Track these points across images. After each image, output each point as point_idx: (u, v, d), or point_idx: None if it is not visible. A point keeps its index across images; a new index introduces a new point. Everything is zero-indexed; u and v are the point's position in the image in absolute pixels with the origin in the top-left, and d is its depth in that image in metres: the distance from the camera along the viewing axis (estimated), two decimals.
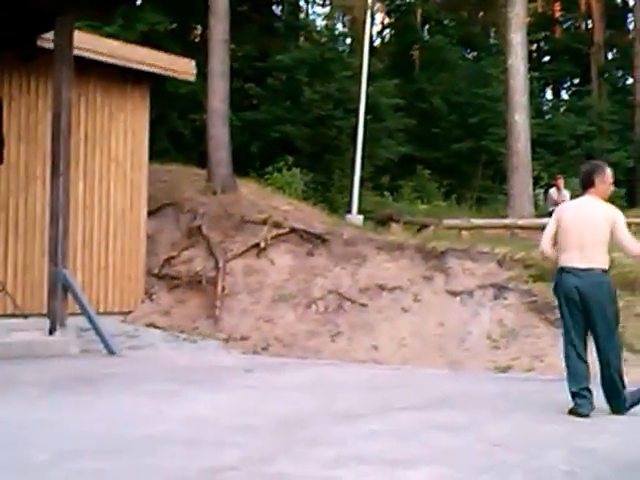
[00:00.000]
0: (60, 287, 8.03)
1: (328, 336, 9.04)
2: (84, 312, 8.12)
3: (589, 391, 5.26)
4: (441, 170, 21.99)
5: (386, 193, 19.61)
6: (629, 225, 5.67)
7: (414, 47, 27.22)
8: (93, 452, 3.94)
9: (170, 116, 17.33)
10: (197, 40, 20.36)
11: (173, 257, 10.47)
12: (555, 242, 5.44)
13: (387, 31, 30.14)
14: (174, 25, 18.72)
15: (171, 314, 9.83)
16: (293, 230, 10.48)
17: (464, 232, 11.40)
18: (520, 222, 12.90)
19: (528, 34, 17.10)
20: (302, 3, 25.50)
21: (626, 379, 5.35)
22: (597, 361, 5.31)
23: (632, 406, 5.32)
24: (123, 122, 10.05)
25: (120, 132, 10.01)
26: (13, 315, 8.38)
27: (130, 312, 9.85)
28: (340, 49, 23.04)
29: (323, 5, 27.23)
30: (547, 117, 26.88)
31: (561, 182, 14.77)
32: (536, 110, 23.28)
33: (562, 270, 5.35)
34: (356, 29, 23.94)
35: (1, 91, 8.81)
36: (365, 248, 10.05)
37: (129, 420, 4.78)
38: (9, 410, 5.00)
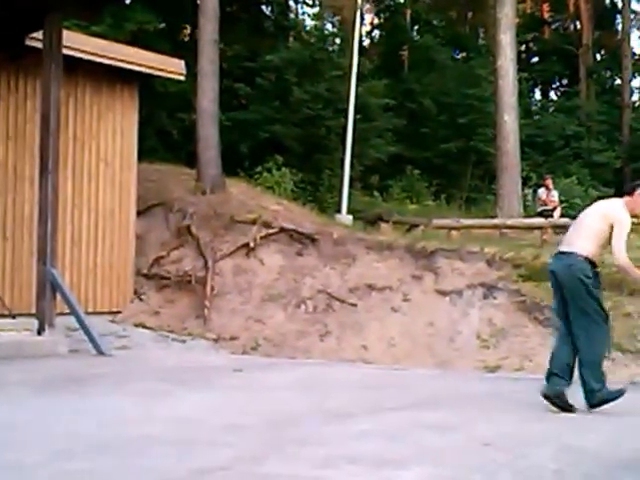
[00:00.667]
0: (49, 287, 8.00)
1: (317, 336, 9.04)
2: (73, 312, 8.09)
3: (557, 376, 5.27)
4: (430, 170, 22.02)
5: (375, 193, 19.62)
6: None
7: (403, 47, 27.24)
8: (83, 452, 3.92)
9: (159, 115, 17.26)
10: (186, 40, 20.29)
11: (162, 257, 10.44)
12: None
13: (376, 31, 30.16)
14: (163, 25, 18.64)
15: (160, 314, 9.81)
16: (282, 230, 10.47)
17: (453, 232, 11.40)
18: (509, 222, 12.92)
19: (517, 35, 17.13)
20: (291, 3, 25.46)
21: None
22: None
23: (599, 404, 5.28)
24: (112, 121, 10.02)
25: (109, 131, 9.98)
26: (1, 315, 8.34)
27: (119, 312, 9.82)
28: (329, 49, 22.99)
29: (312, 5, 27.17)
30: (536, 117, 26.99)
31: (550, 182, 14.83)
32: (525, 110, 23.36)
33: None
34: (345, 29, 23.93)
35: None
36: (354, 248, 10.06)
37: (118, 420, 4.76)
38: None
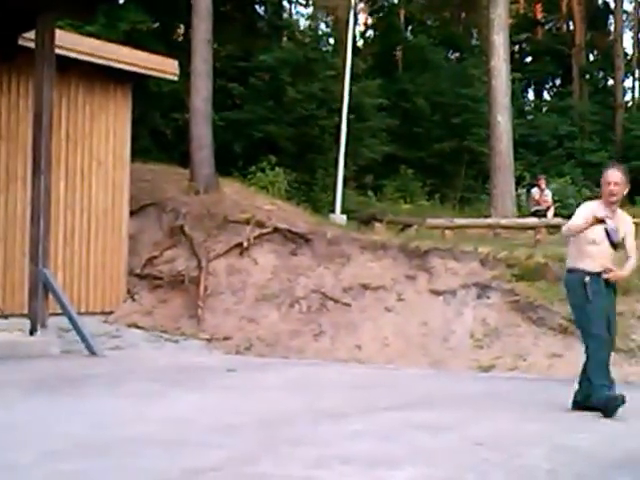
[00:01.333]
0: (41, 287, 7.96)
1: (311, 336, 9.03)
2: (65, 312, 8.06)
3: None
4: (424, 170, 22.05)
5: (369, 192, 19.64)
6: None
7: (397, 47, 27.29)
8: (75, 453, 3.91)
9: (152, 115, 17.23)
10: (180, 39, 20.27)
11: (155, 257, 10.42)
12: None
13: (370, 31, 30.18)
14: (157, 24, 18.63)
15: (153, 314, 9.78)
16: (276, 230, 10.46)
17: (447, 232, 11.41)
18: (503, 222, 12.94)
19: (510, 35, 17.18)
20: (285, 3, 25.48)
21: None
22: None
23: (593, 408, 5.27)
24: (105, 121, 9.99)
25: (102, 131, 9.95)
26: None
27: (112, 312, 9.79)
28: (323, 49, 23.02)
29: (306, 5, 27.20)
30: (529, 117, 27.07)
31: (543, 182, 14.85)
32: (518, 110, 23.41)
33: None
34: (339, 29, 23.94)
35: None
36: (348, 248, 10.05)
37: (111, 421, 4.75)
38: None
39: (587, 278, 5.26)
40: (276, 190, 15.17)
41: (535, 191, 14.77)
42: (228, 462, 3.79)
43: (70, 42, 9.07)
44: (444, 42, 27.15)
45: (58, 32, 8.33)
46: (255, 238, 10.38)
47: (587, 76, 30.11)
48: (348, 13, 18.62)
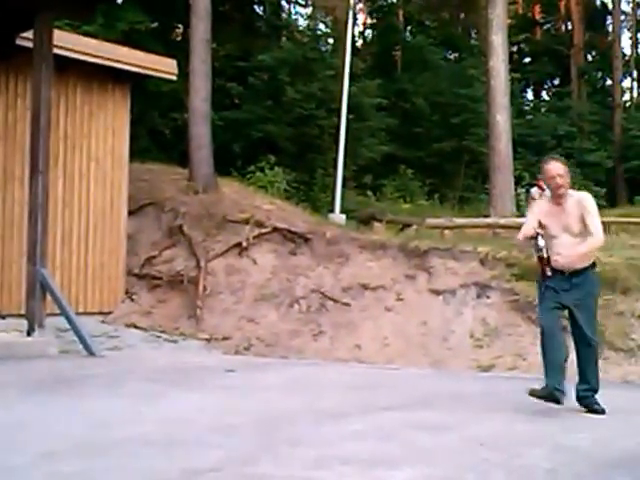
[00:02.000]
0: (39, 287, 7.94)
1: (310, 335, 9.02)
2: (63, 312, 8.03)
3: None
4: (424, 169, 22.05)
5: (369, 192, 19.61)
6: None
7: (396, 47, 27.28)
8: (73, 454, 3.89)
9: (151, 115, 17.22)
10: (179, 39, 20.25)
11: (154, 257, 10.40)
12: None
13: (369, 31, 30.19)
14: (155, 24, 18.57)
15: (152, 314, 9.76)
16: (275, 229, 10.44)
17: (447, 231, 11.40)
18: (502, 221, 12.92)
19: (509, 36, 17.16)
20: (284, 3, 25.47)
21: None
22: None
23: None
24: (103, 121, 9.97)
25: (100, 131, 9.94)
26: None
27: (110, 312, 9.77)
28: (322, 49, 22.99)
29: (305, 5, 27.20)
30: (528, 117, 27.06)
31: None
32: (517, 110, 23.41)
33: None
34: (338, 29, 23.91)
35: None
36: (348, 247, 10.04)
37: (109, 421, 4.73)
38: None
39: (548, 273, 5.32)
40: (275, 190, 15.15)
41: (535, 191, 14.71)
42: (227, 462, 3.77)
43: (68, 42, 9.06)
44: (443, 42, 27.14)
45: (56, 32, 8.31)
46: (254, 238, 10.36)
47: (585, 76, 30.14)
48: (347, 13, 18.60)
